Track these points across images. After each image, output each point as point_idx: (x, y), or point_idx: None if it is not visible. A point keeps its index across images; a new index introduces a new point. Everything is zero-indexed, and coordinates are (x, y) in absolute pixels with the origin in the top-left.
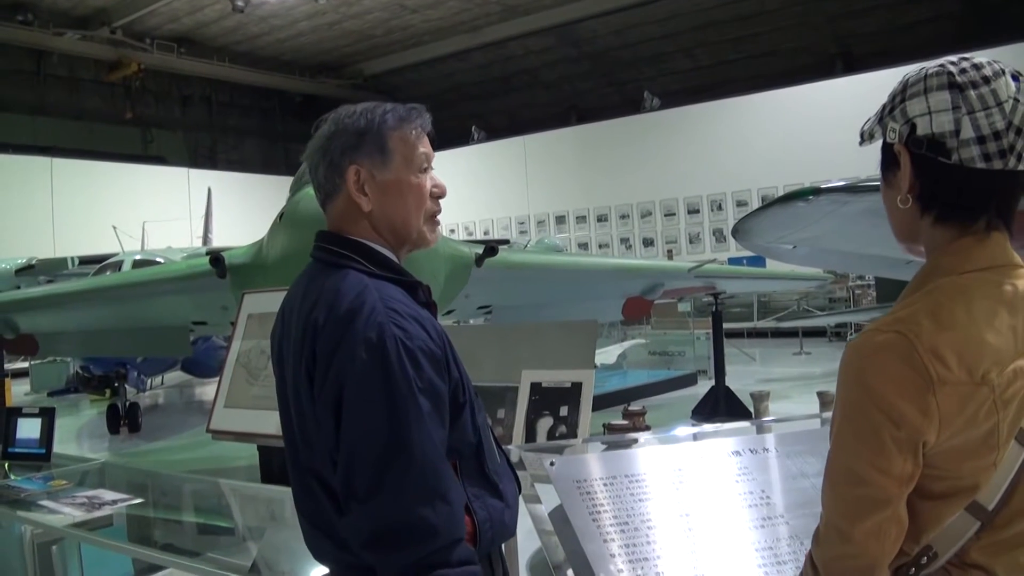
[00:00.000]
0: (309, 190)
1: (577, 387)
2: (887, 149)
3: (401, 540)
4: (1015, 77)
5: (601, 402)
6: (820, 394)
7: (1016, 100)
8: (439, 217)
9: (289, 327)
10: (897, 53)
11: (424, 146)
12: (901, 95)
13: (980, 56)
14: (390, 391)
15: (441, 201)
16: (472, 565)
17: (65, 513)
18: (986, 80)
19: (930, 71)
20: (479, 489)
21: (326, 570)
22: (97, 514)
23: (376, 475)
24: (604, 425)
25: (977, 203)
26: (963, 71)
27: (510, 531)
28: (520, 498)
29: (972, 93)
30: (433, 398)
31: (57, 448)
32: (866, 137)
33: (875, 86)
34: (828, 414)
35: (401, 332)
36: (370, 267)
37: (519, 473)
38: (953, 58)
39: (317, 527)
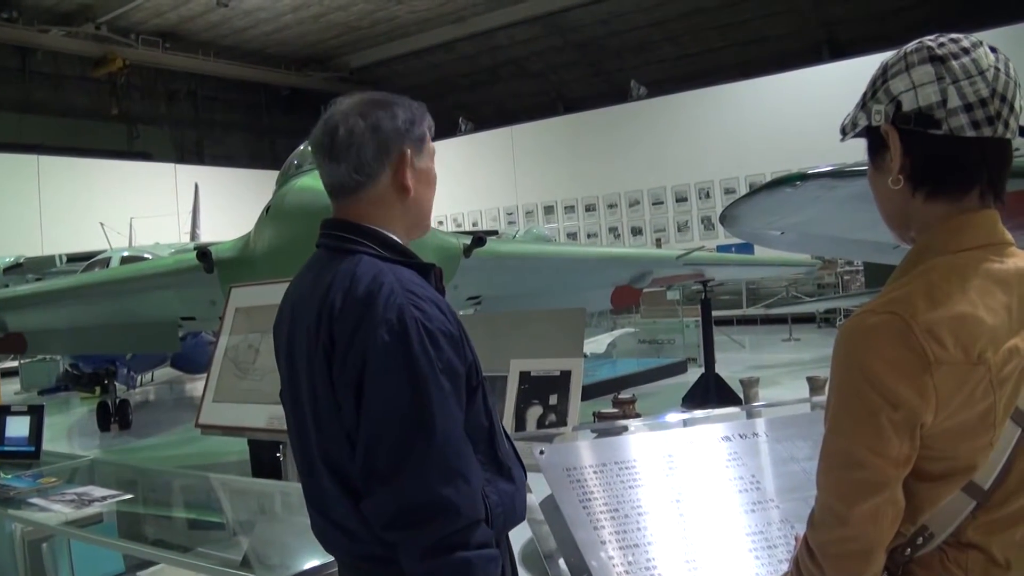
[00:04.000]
0: (296, 183)
1: (566, 375)
2: (873, 133)
3: (424, 519)
4: (992, 49)
5: (592, 391)
6: (810, 379)
7: (997, 69)
8: None
9: (299, 316)
10: (883, 38)
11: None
12: (882, 77)
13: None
14: (412, 371)
15: None
16: (490, 548)
17: (55, 510)
18: (965, 51)
19: (909, 49)
20: (491, 473)
21: (316, 563)
22: (87, 511)
23: (399, 455)
24: (594, 413)
25: (969, 173)
26: (942, 44)
27: (520, 516)
28: None
29: (954, 63)
30: (453, 379)
31: (48, 446)
32: (849, 129)
33: (862, 72)
34: (818, 399)
35: (420, 313)
36: (381, 251)
37: None
38: (929, 35)
39: (328, 519)
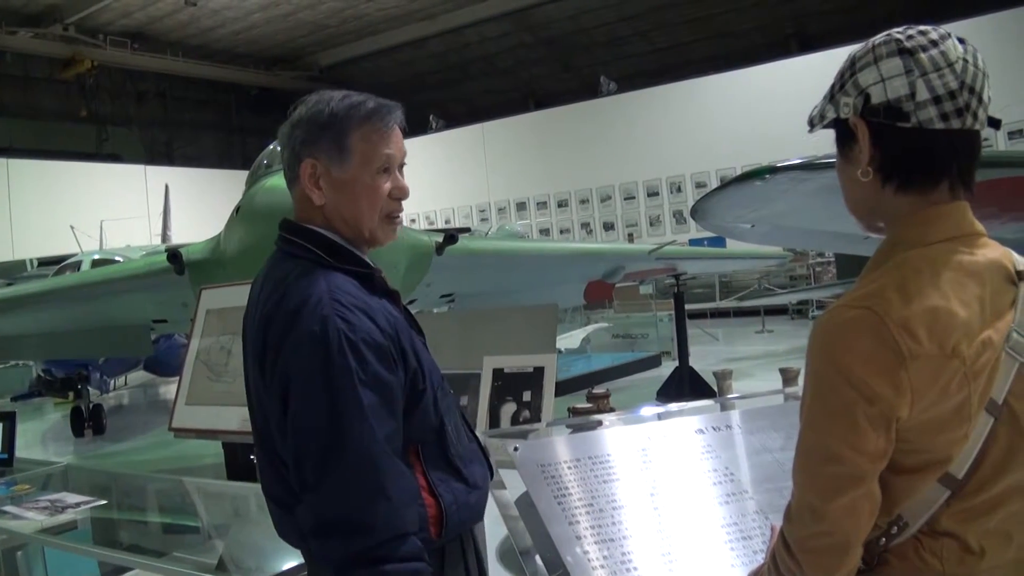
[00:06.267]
0: (265, 183)
1: (539, 371)
2: (842, 126)
3: (338, 533)
4: (960, 40)
5: (566, 387)
6: (782, 370)
7: (965, 60)
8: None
9: (249, 319)
10: (852, 31)
11: (389, 146)
12: (850, 70)
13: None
14: (330, 385)
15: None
16: (419, 561)
17: (29, 518)
18: (934, 43)
19: (877, 42)
20: (443, 473)
21: (292, 564)
22: (61, 518)
23: (317, 469)
24: (569, 409)
25: (938, 165)
26: (910, 36)
27: (478, 513)
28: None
29: (923, 56)
30: (378, 390)
31: (22, 453)
32: (817, 121)
33: (830, 64)
34: (790, 390)
35: (345, 324)
36: (326, 257)
37: None
38: (897, 28)
39: (286, 509)
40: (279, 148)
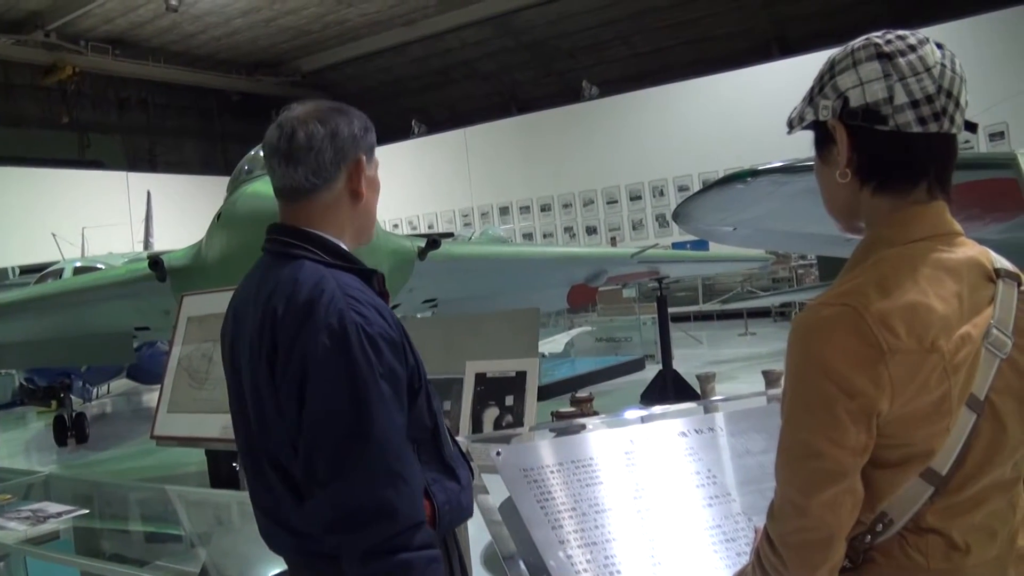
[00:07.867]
0: (247, 188)
1: (522, 376)
2: (820, 128)
3: (363, 522)
4: (938, 45)
5: (550, 391)
6: (765, 373)
7: (943, 65)
8: None
9: (243, 320)
10: (832, 35)
11: None
12: (829, 73)
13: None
14: (352, 376)
15: (383, 194)
16: (432, 549)
17: (10, 528)
18: (912, 48)
19: (856, 46)
20: (437, 473)
21: (274, 572)
22: (43, 528)
23: (339, 458)
24: (552, 413)
25: (916, 168)
26: (888, 41)
27: (467, 513)
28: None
29: (901, 60)
30: (393, 383)
31: (5, 463)
32: (796, 123)
33: (811, 68)
34: (773, 392)
35: (361, 319)
36: (324, 257)
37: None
38: (876, 32)
39: (275, 520)
40: (309, 149)
